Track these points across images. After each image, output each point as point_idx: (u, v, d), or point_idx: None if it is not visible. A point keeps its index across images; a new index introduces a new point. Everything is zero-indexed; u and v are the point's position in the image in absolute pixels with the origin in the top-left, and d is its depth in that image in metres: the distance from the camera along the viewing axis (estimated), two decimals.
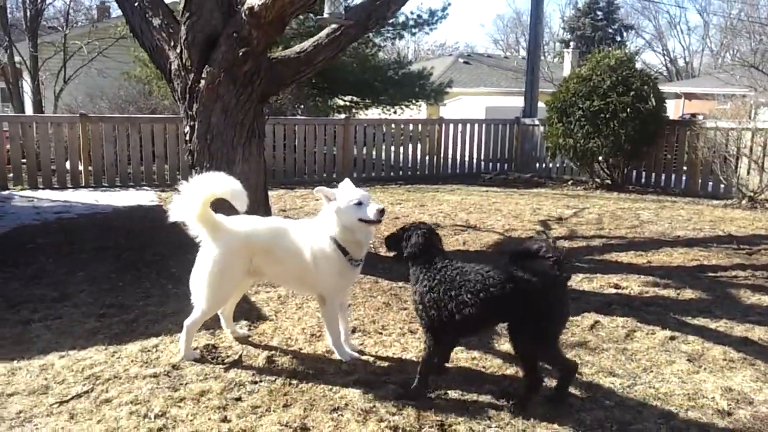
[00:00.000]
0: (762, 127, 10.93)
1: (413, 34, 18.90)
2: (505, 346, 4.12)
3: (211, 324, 4.36)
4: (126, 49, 16.24)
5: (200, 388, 3.44)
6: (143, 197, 10.15)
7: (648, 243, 7.41)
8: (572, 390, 3.48)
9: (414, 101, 17.80)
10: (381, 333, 4.34)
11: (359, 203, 3.59)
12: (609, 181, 12.55)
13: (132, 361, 3.80)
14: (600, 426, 3.15)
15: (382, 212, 3.57)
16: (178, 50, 6.14)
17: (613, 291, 5.44)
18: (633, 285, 5.59)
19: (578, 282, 5.67)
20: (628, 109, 11.43)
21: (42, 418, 3.15)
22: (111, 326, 4.38)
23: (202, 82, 6.08)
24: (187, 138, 6.41)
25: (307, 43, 6.57)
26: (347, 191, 3.67)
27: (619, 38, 47.15)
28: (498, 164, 14.83)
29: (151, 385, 3.48)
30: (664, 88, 13.72)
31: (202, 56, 6.05)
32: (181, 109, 6.43)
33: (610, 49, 13.50)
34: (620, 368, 3.83)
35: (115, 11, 24.12)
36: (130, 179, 11.34)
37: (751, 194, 10.43)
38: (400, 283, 5.46)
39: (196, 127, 6.23)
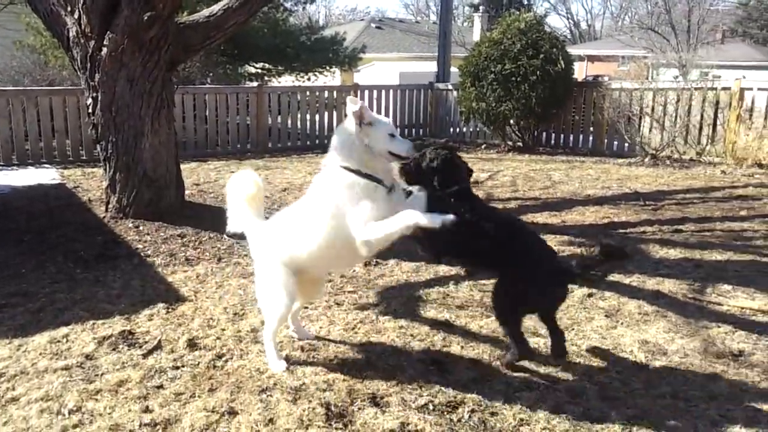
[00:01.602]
0: (662, 87, 11.46)
1: None
2: (431, 313, 4.15)
3: (126, 309, 4.16)
4: (17, 16, 14.99)
5: (118, 378, 3.25)
6: (44, 176, 9.50)
7: (561, 203, 7.64)
8: (498, 352, 3.55)
9: (328, 67, 17.52)
10: (306, 307, 4.25)
11: (392, 135, 3.15)
12: (521, 144, 12.84)
13: (40, 353, 3.55)
14: (527, 387, 3.21)
15: (411, 149, 3.17)
16: (76, 15, 5.71)
17: None
18: (550, 244, 5.73)
19: None
20: (538, 72, 11.66)
21: None
22: (15, 317, 4.06)
23: (104, 49, 5.70)
24: (90, 110, 6.02)
25: (216, 7, 6.27)
26: (381, 118, 3.22)
27: (526, 1, 48.03)
28: (414, 130, 14.86)
29: (63, 379, 3.26)
30: (569, 50, 14.06)
31: (103, 21, 5.65)
32: (82, 79, 6.02)
33: (519, 12, 13.68)
34: (543, 328, 3.92)
35: None
36: (28, 157, 10.56)
37: (653, 152, 10.94)
38: None
39: (100, 98, 5.86)
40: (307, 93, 13.81)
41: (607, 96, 11.84)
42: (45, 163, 10.55)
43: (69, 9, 5.76)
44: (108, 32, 5.64)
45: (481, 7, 40.17)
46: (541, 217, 6.86)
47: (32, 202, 7.56)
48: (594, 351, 3.62)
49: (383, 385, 3.19)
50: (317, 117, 13.69)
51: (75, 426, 2.85)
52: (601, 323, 4.00)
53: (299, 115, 13.38)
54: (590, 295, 4.46)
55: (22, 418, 2.91)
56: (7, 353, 3.55)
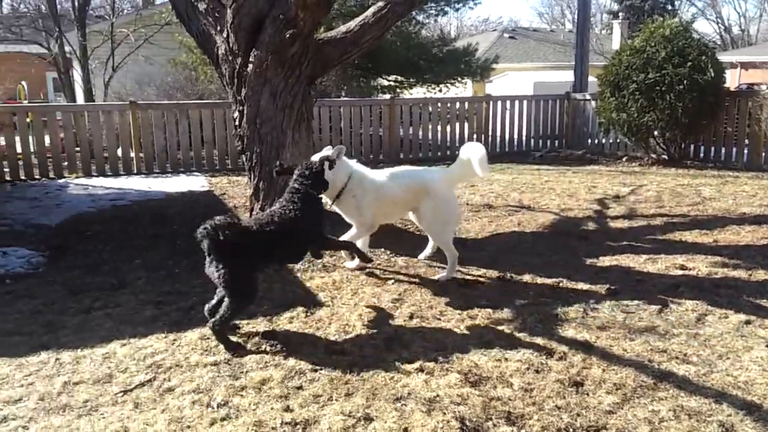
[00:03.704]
0: None
1: (457, 10, 18.59)
2: (569, 332, 3.99)
3: (268, 311, 4.35)
4: (171, 35, 16.36)
5: (261, 377, 3.41)
6: (194, 183, 10.24)
7: (712, 221, 7.09)
8: (644, 378, 3.34)
9: (459, 79, 17.49)
10: (439, 319, 4.24)
11: None
12: (666, 157, 12.09)
13: (192, 348, 3.80)
14: (676, 417, 2.99)
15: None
16: (224, 34, 6.09)
17: (680, 272, 5.21)
18: (700, 266, 5.34)
19: (642, 263, 5.46)
20: (685, 81, 10.94)
21: (108, 407, 3.16)
22: (170, 314, 4.39)
23: (250, 66, 6.02)
24: (237, 123, 6.38)
25: (353, 23, 6.45)
26: None
27: (670, 7, 45.38)
28: (548, 141, 14.47)
29: (212, 374, 3.46)
30: (720, 57, 13.08)
31: (249, 40, 5.99)
32: (230, 94, 6.40)
33: (663, 18, 12.94)
34: (694, 355, 3.65)
35: None
36: (180, 165, 11.46)
37: None
38: (456, 268, 5.35)
39: (245, 111, 6.20)
40: (439, 104, 13.87)
41: (765, 106, 10.87)
42: (195, 171, 11.38)
43: (218, 28, 6.16)
44: (253, 50, 5.96)
45: (620, 14, 38.47)
46: (690, 236, 6.41)
47: (184, 207, 8.16)
48: (753, 384, 3.30)
49: (519, 404, 3.11)
50: (448, 128, 13.71)
51: (223, 419, 3.01)
52: (762, 354, 3.64)
53: (430, 127, 13.46)
54: (748, 323, 4.09)
55: (177, 407, 3.13)
56: (164, 346, 3.83)
